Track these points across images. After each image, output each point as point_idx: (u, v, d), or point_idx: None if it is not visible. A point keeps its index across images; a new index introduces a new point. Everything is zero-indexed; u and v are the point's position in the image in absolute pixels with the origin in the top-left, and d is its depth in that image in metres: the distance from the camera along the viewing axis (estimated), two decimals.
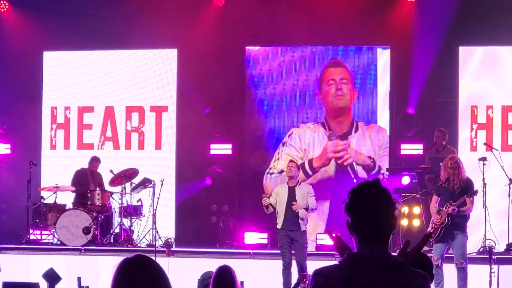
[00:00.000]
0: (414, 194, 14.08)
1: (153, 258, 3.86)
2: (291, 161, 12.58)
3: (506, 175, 13.71)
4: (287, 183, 12.26)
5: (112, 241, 14.78)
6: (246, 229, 15.05)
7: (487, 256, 11.79)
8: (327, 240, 13.94)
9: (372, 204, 3.46)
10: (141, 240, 14.90)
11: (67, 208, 15.01)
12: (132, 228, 15.12)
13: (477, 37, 15.28)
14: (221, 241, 15.29)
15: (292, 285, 11.21)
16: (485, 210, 13.32)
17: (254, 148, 16.20)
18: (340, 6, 15.45)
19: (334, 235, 3.82)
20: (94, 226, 14.44)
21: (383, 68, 15.87)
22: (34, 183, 15.68)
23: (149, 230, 14.67)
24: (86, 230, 14.35)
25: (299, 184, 12.27)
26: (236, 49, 16.16)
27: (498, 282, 12.18)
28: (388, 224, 3.49)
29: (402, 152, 15.28)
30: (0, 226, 16.30)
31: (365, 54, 16.00)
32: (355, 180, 15.37)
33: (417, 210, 14.33)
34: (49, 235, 15.02)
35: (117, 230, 14.95)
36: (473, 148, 15.38)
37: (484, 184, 13.26)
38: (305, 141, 15.97)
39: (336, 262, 3.55)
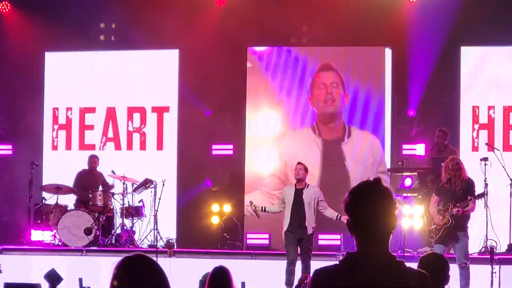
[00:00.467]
0: (416, 195, 14.06)
1: (155, 258, 3.88)
2: (299, 163, 12.34)
3: (508, 175, 13.70)
4: (295, 185, 12.20)
5: (113, 241, 14.77)
6: (248, 229, 15.03)
7: (489, 257, 11.78)
8: (327, 240, 13.97)
9: (372, 204, 3.45)
10: (142, 241, 14.90)
11: (68, 209, 15.01)
12: (134, 228, 15.11)
13: (479, 37, 15.26)
14: (222, 242, 15.28)
15: (294, 287, 11.20)
16: (486, 211, 13.30)
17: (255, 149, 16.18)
18: (340, 6, 15.43)
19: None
20: (96, 227, 14.44)
21: (385, 68, 15.83)
22: (36, 184, 15.67)
23: (151, 231, 14.67)
24: (88, 231, 14.34)
25: (307, 186, 12.18)
26: (237, 49, 16.14)
27: (499, 283, 12.15)
28: (388, 224, 3.47)
29: (404, 152, 15.27)
30: (1, 227, 16.29)
31: (365, 54, 15.97)
32: None
33: (419, 210, 14.30)
34: (50, 235, 15.01)
35: (118, 231, 14.94)
36: (475, 149, 15.36)
37: (486, 185, 13.24)
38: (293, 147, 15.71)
39: (336, 262, 3.55)
